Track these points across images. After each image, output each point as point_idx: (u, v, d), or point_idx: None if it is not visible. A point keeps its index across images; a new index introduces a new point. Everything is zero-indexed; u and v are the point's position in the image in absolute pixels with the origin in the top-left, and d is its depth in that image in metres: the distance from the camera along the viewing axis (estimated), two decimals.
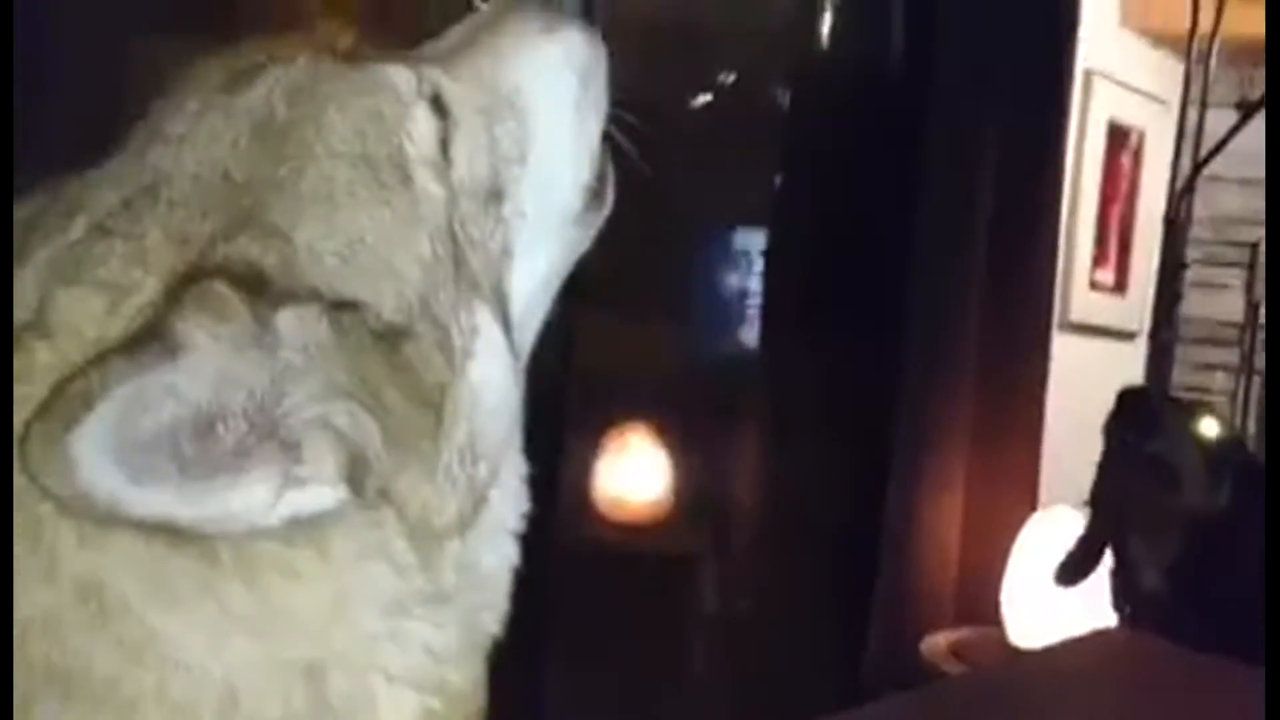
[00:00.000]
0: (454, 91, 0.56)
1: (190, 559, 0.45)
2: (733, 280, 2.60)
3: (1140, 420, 1.88)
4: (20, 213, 0.50)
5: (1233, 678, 1.12)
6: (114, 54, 1.49)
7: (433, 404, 0.50)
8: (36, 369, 0.44)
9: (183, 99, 0.52)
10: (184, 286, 0.44)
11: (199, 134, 0.50)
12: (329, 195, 0.50)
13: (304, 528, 0.46)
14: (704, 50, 2.49)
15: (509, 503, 0.56)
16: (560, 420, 1.81)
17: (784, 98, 2.64)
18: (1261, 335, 2.93)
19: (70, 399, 0.41)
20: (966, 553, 2.36)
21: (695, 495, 2.42)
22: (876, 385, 2.42)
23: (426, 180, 0.53)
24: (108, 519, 0.43)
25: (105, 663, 0.45)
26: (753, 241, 2.62)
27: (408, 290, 0.50)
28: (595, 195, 0.62)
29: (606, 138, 0.62)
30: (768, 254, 2.60)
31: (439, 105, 0.55)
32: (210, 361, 0.43)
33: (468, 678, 0.53)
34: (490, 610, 0.55)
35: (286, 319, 0.45)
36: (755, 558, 2.54)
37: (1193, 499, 1.85)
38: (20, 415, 0.43)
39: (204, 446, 0.43)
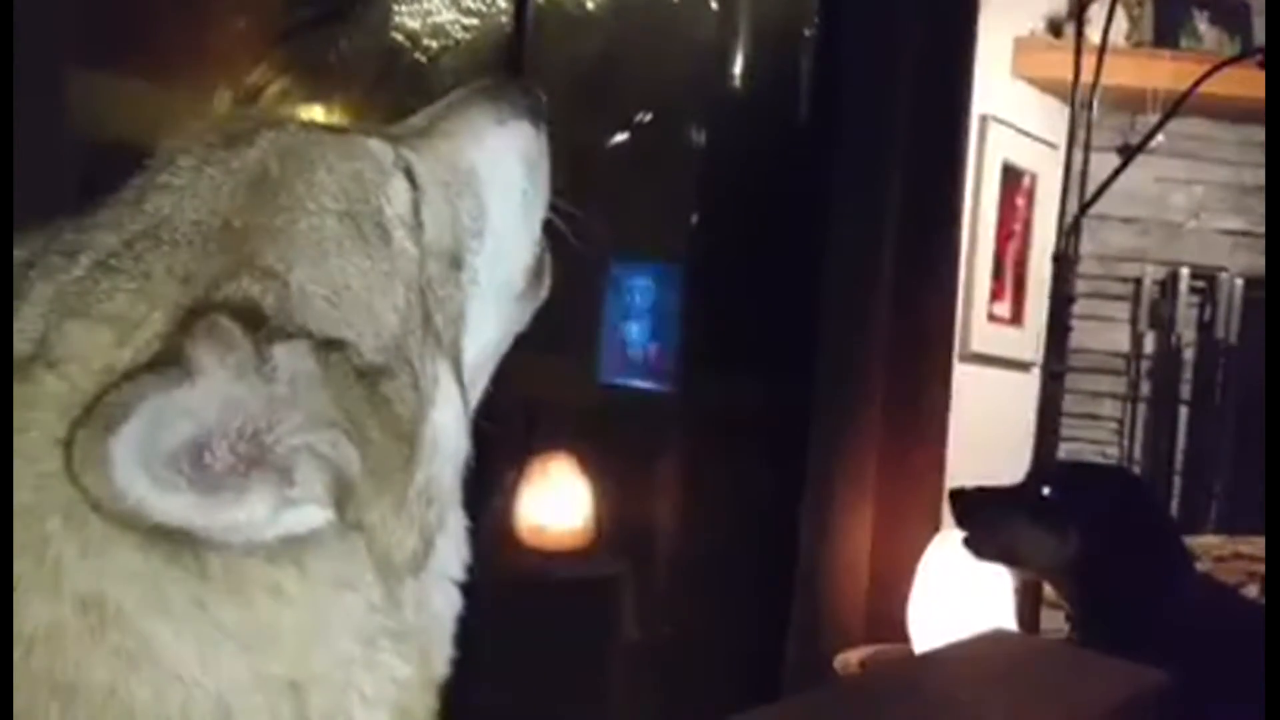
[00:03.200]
0: (420, 166, 0.62)
1: (184, 573, 0.48)
2: (651, 313, 2.68)
3: (963, 514, 1.98)
4: (18, 253, 0.54)
5: (1122, 673, 1.22)
6: (49, 86, 1.51)
7: (406, 438, 0.55)
8: (45, 396, 0.48)
9: (178, 155, 0.56)
10: (192, 318, 0.48)
11: (199, 185, 0.54)
12: (319, 244, 0.54)
13: (287, 549, 0.50)
14: (622, 91, 2.58)
15: (453, 551, 0.61)
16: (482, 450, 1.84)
17: (699, 137, 2.73)
18: (1145, 365, 3.11)
19: (110, 407, 0.45)
20: (875, 573, 2.45)
21: (615, 523, 2.47)
22: (789, 414, 2.51)
23: (403, 239, 0.58)
24: (133, 521, 0.46)
25: (103, 673, 0.47)
26: (670, 276, 2.70)
27: (385, 334, 0.55)
28: (536, 277, 0.69)
29: (548, 225, 0.69)
30: (683, 287, 2.68)
31: (411, 176, 0.61)
32: (218, 387, 0.47)
33: (426, 709, 0.57)
34: (439, 650, 0.59)
35: (281, 352, 0.49)
36: (674, 582, 2.60)
37: (1039, 561, 1.94)
38: (30, 436, 0.47)
39: (207, 464, 0.47)
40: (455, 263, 0.62)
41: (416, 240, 0.59)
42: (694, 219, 2.71)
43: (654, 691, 2.52)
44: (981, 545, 1.97)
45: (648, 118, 2.60)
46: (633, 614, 2.59)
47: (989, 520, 1.95)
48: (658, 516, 2.63)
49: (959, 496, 2.01)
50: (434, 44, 2.18)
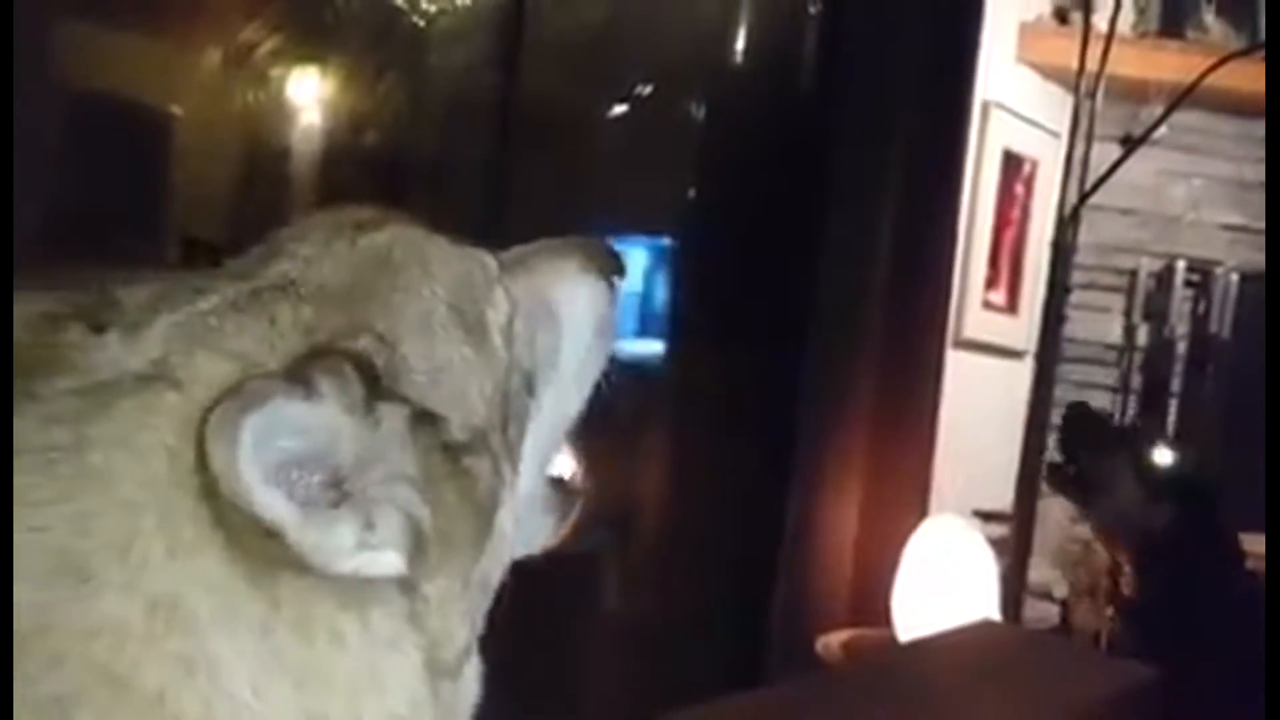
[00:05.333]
0: (514, 290, 0.67)
1: (258, 594, 0.50)
2: (642, 287, 2.66)
3: (1073, 439, 1.95)
4: (148, 287, 0.56)
5: (1109, 666, 1.21)
6: (35, 39, 1.48)
7: (483, 510, 0.58)
8: (166, 406, 0.50)
9: (308, 231, 0.61)
10: (316, 355, 0.52)
11: (326, 257, 0.59)
12: (428, 325, 0.59)
13: (356, 597, 0.52)
14: (622, 62, 2.55)
15: (469, 685, 0.61)
16: None
17: (698, 111, 2.71)
18: (1137, 357, 3.11)
19: (249, 391, 0.48)
20: (860, 557, 2.45)
21: (600, 497, 2.46)
22: (779, 394, 2.50)
23: (498, 343, 0.63)
24: (238, 506, 0.48)
25: (158, 675, 0.47)
26: (664, 250, 2.68)
27: (474, 420, 0.59)
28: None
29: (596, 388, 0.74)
30: (678, 262, 2.66)
31: (509, 292, 0.66)
32: (330, 416, 0.50)
33: None
34: None
35: (385, 409, 0.53)
36: (659, 559, 2.60)
37: (1119, 517, 1.92)
38: (144, 437, 0.49)
39: (297, 482, 0.50)
40: (529, 386, 0.66)
41: (509, 348, 0.64)
42: (691, 194, 2.69)
43: (634, 669, 2.52)
44: (1073, 476, 1.93)
45: (648, 90, 2.57)
46: (615, 590, 2.59)
47: (1100, 450, 1.91)
48: (643, 492, 2.62)
49: (1079, 412, 1.96)
50: (432, 8, 2.15)
